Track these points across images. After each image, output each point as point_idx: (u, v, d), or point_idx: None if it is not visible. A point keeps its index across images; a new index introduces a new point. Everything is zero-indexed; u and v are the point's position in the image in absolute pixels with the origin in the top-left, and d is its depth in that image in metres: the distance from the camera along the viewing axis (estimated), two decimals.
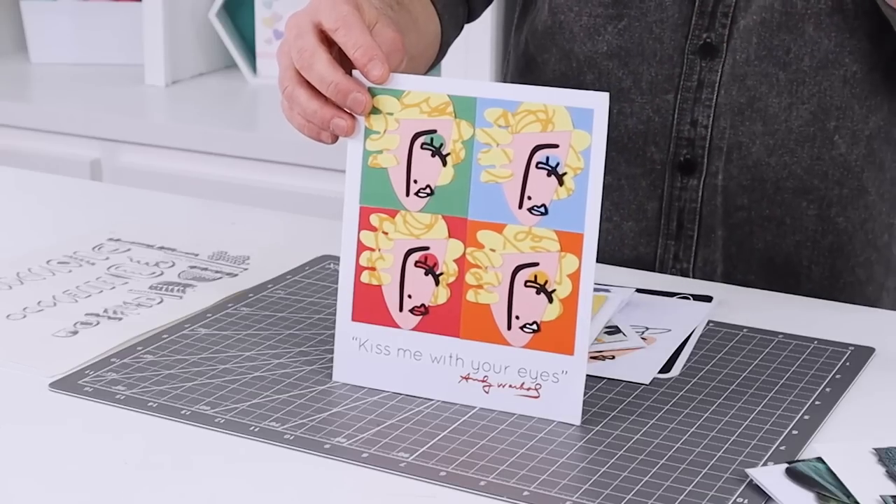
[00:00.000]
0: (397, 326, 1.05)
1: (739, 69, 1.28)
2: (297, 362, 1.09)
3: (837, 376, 1.07)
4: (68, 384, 1.05)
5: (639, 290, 1.23)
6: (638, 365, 1.07)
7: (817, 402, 1.03)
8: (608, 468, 0.93)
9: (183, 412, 1.01)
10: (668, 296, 1.22)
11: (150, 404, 1.02)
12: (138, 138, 2.42)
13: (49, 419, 1.01)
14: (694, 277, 1.33)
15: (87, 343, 1.12)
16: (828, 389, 1.05)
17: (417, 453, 0.95)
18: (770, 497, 0.89)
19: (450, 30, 1.35)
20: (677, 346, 1.12)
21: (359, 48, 1.05)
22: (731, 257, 1.32)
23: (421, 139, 1.05)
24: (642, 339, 1.13)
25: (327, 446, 0.96)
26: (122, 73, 2.72)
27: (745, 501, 0.89)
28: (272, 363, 1.09)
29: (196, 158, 2.38)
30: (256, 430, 0.98)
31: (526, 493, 0.90)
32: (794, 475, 0.90)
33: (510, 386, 1.02)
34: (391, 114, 1.06)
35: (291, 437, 0.97)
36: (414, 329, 1.05)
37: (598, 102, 0.99)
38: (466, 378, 1.03)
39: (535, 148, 1.01)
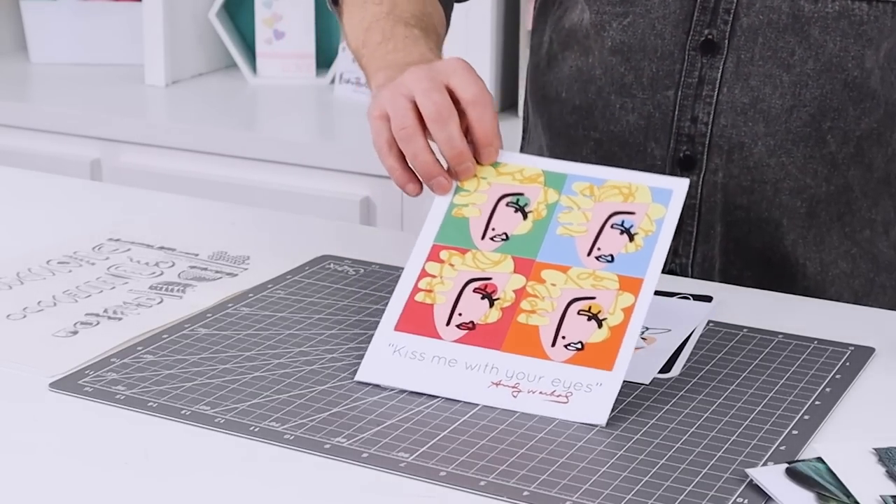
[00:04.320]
0: (439, 338, 1.07)
1: (744, 68, 1.29)
2: (297, 362, 1.09)
3: (837, 376, 1.07)
4: (68, 384, 1.05)
5: None
6: (638, 365, 1.07)
7: (817, 402, 1.03)
8: (608, 468, 0.93)
9: (183, 412, 1.01)
10: (668, 296, 1.22)
11: (150, 404, 1.02)
12: (138, 138, 2.42)
13: (49, 419, 1.01)
14: (692, 273, 1.34)
15: (87, 343, 1.12)
16: (828, 389, 1.05)
17: (417, 453, 0.95)
18: (770, 497, 0.89)
19: (449, 6, 1.43)
20: (677, 346, 1.12)
21: (486, 134, 1.13)
22: (728, 253, 1.33)
23: (508, 198, 1.13)
24: (642, 339, 1.13)
25: (327, 446, 0.96)
26: (122, 73, 2.71)
27: (745, 501, 0.89)
28: (272, 363, 1.09)
29: (196, 158, 2.38)
30: (256, 430, 0.98)
31: (526, 493, 0.90)
32: (794, 475, 0.90)
33: (540, 392, 1.02)
34: (485, 178, 1.14)
35: (291, 437, 0.97)
36: (455, 341, 1.06)
37: (678, 185, 1.10)
38: (497, 384, 1.03)
39: (613, 213, 1.10)
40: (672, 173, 1.33)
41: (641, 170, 1.34)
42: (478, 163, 1.14)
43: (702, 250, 1.34)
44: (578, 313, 1.06)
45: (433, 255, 1.11)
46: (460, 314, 1.07)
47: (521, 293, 1.07)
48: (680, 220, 1.33)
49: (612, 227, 1.09)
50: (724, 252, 1.33)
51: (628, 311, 1.05)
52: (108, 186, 1.83)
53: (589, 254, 1.08)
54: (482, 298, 1.08)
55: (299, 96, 2.59)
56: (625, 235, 1.08)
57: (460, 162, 1.13)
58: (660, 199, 1.10)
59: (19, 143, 2.51)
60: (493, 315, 1.07)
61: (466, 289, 1.09)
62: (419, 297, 1.09)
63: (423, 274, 1.10)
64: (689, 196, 1.32)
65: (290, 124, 2.43)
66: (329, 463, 0.94)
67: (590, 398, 1.01)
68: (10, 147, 2.50)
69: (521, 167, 1.14)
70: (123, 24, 2.75)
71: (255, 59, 2.69)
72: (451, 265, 1.10)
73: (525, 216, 1.11)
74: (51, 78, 2.71)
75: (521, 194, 1.12)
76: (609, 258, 1.08)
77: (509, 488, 0.91)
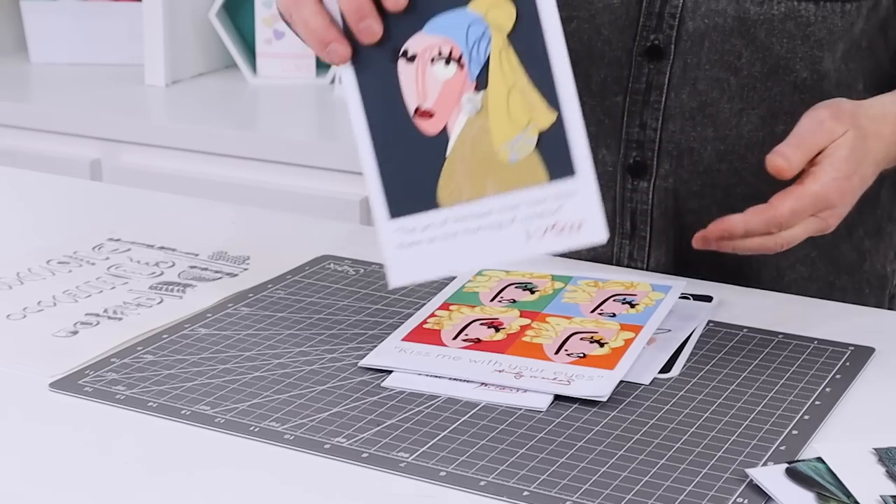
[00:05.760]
0: (445, 346, 1.10)
1: (690, 73, 1.28)
2: (297, 362, 1.09)
3: (837, 376, 1.07)
4: (68, 384, 1.05)
5: None
6: (638, 365, 1.07)
7: (817, 402, 1.03)
8: (608, 468, 0.93)
9: (183, 412, 1.01)
10: None
11: (150, 404, 1.02)
12: (138, 138, 2.42)
13: (49, 419, 1.01)
14: None
15: (87, 343, 1.12)
16: (828, 389, 1.05)
17: (417, 453, 0.95)
18: (770, 497, 0.89)
19: None
20: (677, 346, 1.12)
21: None
22: (682, 259, 1.33)
23: (517, 283, 1.22)
24: None
25: (327, 446, 0.96)
26: (122, 73, 2.72)
27: (745, 501, 0.89)
28: (272, 363, 1.09)
29: (196, 158, 2.38)
30: (256, 430, 0.98)
31: (526, 493, 0.90)
32: (794, 475, 0.90)
33: (542, 378, 1.05)
34: (496, 276, 1.23)
35: (291, 437, 0.97)
36: (460, 349, 1.10)
37: (676, 284, 1.20)
38: (500, 371, 1.06)
39: (616, 293, 1.19)
40: (623, 179, 1.33)
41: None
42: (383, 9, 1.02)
43: (655, 255, 1.34)
44: (580, 339, 1.10)
45: (442, 307, 1.17)
46: (466, 335, 1.12)
47: (526, 326, 1.13)
48: (633, 225, 1.36)
49: (614, 300, 1.17)
50: (678, 257, 1.34)
51: (630, 341, 1.10)
52: (108, 186, 1.83)
53: (592, 312, 1.16)
54: (488, 328, 1.13)
55: (299, 96, 2.59)
56: (626, 304, 1.16)
57: (359, 21, 1.01)
58: (659, 290, 1.19)
59: (19, 143, 2.51)
60: (498, 336, 1.11)
61: (474, 322, 1.14)
62: (428, 325, 1.14)
63: (432, 315, 1.16)
64: (641, 202, 1.34)
65: (290, 124, 2.43)
66: (329, 463, 0.94)
67: (591, 382, 1.04)
68: (10, 147, 2.50)
69: (529, 271, 1.23)
70: (123, 24, 2.75)
71: (255, 59, 2.69)
72: (461, 312, 1.16)
73: (532, 293, 1.19)
74: (51, 78, 2.71)
75: (529, 282, 1.22)
76: (611, 315, 1.15)
77: (509, 488, 0.91)
